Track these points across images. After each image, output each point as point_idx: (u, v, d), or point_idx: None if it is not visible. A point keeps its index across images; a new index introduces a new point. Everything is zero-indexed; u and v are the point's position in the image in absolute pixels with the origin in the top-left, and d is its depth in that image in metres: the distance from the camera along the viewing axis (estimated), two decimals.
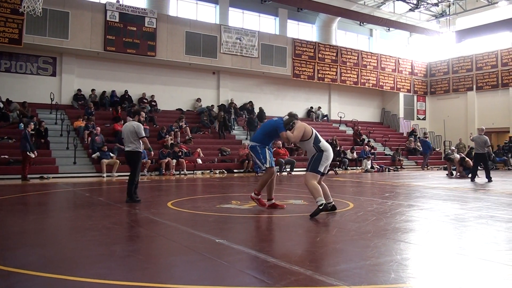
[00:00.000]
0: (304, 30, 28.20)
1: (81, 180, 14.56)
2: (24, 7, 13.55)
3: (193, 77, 23.29)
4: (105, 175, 15.83)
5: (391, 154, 24.84)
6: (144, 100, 21.61)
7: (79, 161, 16.58)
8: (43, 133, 16.66)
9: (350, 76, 27.47)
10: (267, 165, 7.22)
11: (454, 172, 17.41)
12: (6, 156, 15.15)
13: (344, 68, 27.19)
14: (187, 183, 14.10)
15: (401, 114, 30.34)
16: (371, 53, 29.01)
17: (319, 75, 26.19)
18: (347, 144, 24.46)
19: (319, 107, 27.81)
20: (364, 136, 26.34)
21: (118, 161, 16.49)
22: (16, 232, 5.44)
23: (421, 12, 29.93)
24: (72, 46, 19.21)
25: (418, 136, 28.74)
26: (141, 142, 8.37)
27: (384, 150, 26.25)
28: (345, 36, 30.03)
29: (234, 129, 22.86)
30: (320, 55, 26.23)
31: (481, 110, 28.22)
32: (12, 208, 7.75)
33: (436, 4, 29.02)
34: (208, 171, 18.45)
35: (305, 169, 7.58)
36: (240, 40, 23.35)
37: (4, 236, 5.25)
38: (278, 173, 18.49)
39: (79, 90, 20.18)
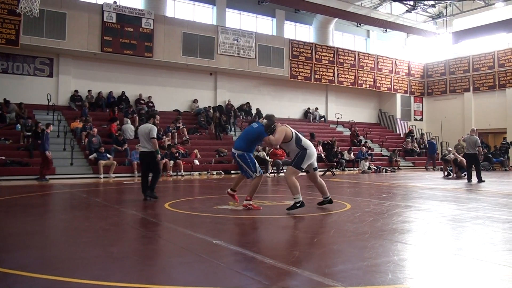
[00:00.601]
0: (301, 31, 28.22)
1: (78, 181, 14.52)
2: (21, 8, 13.51)
3: (190, 78, 23.28)
4: (102, 176, 15.80)
5: (388, 155, 24.88)
6: (141, 101, 21.58)
7: (76, 162, 16.53)
8: (40, 134, 16.60)
9: (347, 77, 27.50)
10: (257, 174, 7.46)
11: (451, 173, 17.46)
12: (3, 157, 15.10)
13: (341, 69, 27.22)
14: (184, 184, 14.09)
15: (398, 115, 30.40)
16: (368, 54, 29.06)
17: (316, 76, 26.22)
18: (344, 145, 24.48)
19: (316, 108, 27.83)
20: (361, 137, 26.37)
21: (115, 162, 16.48)
22: (13, 234, 5.42)
23: (418, 13, 30.01)
24: (69, 47, 19.17)
25: (415, 137, 28.84)
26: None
27: (381, 151, 26.28)
28: (342, 37, 30.07)
29: (231, 130, 22.83)
30: (317, 56, 26.25)
31: (478, 111, 28.29)
32: (9, 209, 7.73)
33: (433, 5, 29.11)
34: (205, 172, 18.43)
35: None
36: (237, 41, 23.35)
37: (1, 237, 5.23)
38: (275, 174, 18.53)
39: (76, 91, 20.13)
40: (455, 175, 17.04)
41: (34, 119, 17.68)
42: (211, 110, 22.73)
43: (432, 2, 28.28)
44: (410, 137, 28.13)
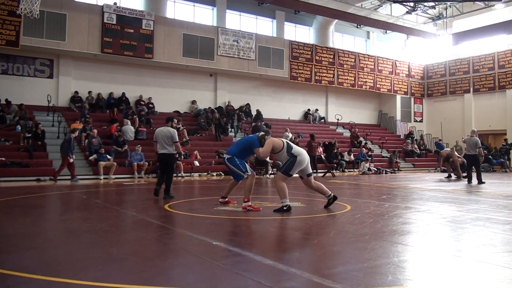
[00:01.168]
0: (301, 33, 28.25)
1: (78, 182, 14.52)
2: (21, 9, 13.52)
3: (190, 79, 23.29)
4: (102, 177, 15.80)
5: (388, 156, 24.88)
6: (141, 102, 21.60)
7: (76, 163, 16.43)
8: (40, 135, 16.62)
9: (347, 79, 27.52)
10: (249, 173, 7.56)
11: (452, 175, 17.42)
12: (3, 158, 15.11)
13: (341, 70, 27.23)
14: (184, 186, 14.08)
15: (398, 116, 30.41)
16: (368, 55, 29.07)
17: (316, 78, 26.23)
18: (344, 147, 24.48)
19: (316, 110, 27.84)
20: (361, 138, 26.38)
21: (115, 163, 16.49)
22: (13, 235, 5.42)
23: (418, 14, 30.03)
24: (69, 48, 19.19)
25: (415, 138, 28.84)
26: (175, 146, 9.35)
27: (381, 152, 26.29)
28: (342, 38, 30.10)
29: (231, 131, 22.83)
30: (317, 58, 26.26)
31: (478, 112, 28.30)
32: (9, 210, 7.72)
33: (433, 7, 29.13)
34: (205, 173, 18.43)
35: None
36: (237, 42, 23.37)
37: (1, 238, 5.22)
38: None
39: (76, 92, 20.15)
40: (440, 168, 17.19)
41: (34, 120, 17.69)
42: (211, 112, 22.73)
43: (432, 4, 28.29)
44: (410, 138, 28.14)
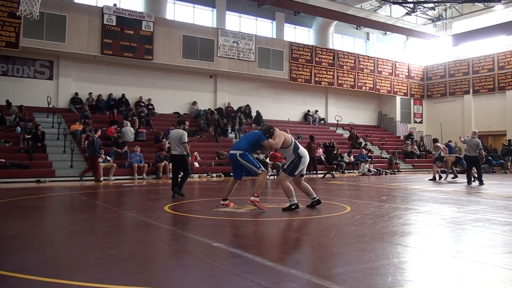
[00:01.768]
0: (301, 34, 28.27)
1: (78, 183, 14.52)
2: (21, 10, 13.54)
3: (190, 80, 23.30)
4: (102, 178, 15.78)
5: (388, 157, 24.88)
6: (141, 104, 21.60)
7: (76, 164, 16.53)
8: (40, 137, 16.62)
9: (347, 80, 27.53)
10: (262, 169, 7.65)
11: (442, 175, 17.36)
12: (3, 160, 15.10)
13: (341, 71, 27.25)
14: (184, 187, 14.04)
15: (398, 118, 30.42)
16: (368, 56, 29.10)
17: (316, 79, 26.24)
18: (344, 148, 24.48)
19: (316, 111, 27.85)
20: (361, 139, 26.38)
21: (115, 164, 16.48)
22: (12, 236, 5.42)
23: (418, 16, 30.07)
24: (69, 50, 19.20)
25: (415, 139, 28.85)
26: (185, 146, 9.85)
27: (381, 153, 26.30)
28: (342, 39, 30.13)
29: (231, 132, 22.84)
30: (317, 59, 26.28)
31: (478, 113, 28.31)
32: (9, 212, 7.72)
33: (433, 8, 29.16)
34: (205, 174, 18.42)
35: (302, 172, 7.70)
36: (237, 43, 23.38)
37: (0, 240, 5.22)
38: (275, 177, 18.51)
39: (76, 93, 20.16)
40: (442, 176, 17.11)
41: (34, 121, 17.68)
42: (210, 113, 22.72)
43: (432, 5, 28.32)
44: (410, 139, 28.15)
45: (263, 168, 7.64)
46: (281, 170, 7.69)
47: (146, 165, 17.07)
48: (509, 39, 27.03)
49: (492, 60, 27.63)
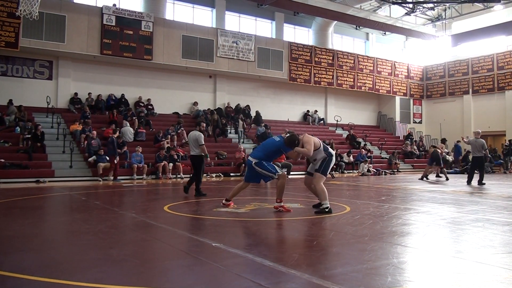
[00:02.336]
0: (300, 34, 28.27)
1: (78, 183, 14.52)
2: (20, 10, 13.54)
3: (189, 80, 23.30)
4: (101, 179, 15.78)
5: (388, 158, 24.89)
6: (141, 104, 21.59)
7: (75, 164, 16.53)
8: (40, 137, 16.61)
9: (346, 80, 27.53)
10: (279, 173, 7.49)
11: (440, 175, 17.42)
12: (3, 160, 15.09)
13: (341, 71, 27.25)
14: (182, 187, 14.04)
15: (397, 118, 30.42)
16: (368, 56, 29.11)
17: (316, 79, 26.24)
18: (343, 148, 24.48)
19: (316, 111, 27.86)
20: (360, 140, 26.39)
21: None
22: (12, 236, 5.41)
23: (417, 16, 30.08)
24: (68, 50, 19.20)
25: (414, 139, 28.85)
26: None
27: (380, 153, 26.31)
28: (341, 40, 30.13)
29: (230, 132, 22.85)
30: (316, 59, 26.28)
31: (477, 113, 28.33)
32: (8, 212, 7.71)
33: (432, 8, 29.18)
34: (205, 174, 18.40)
35: (302, 172, 7.71)
36: (236, 43, 23.38)
37: (0, 240, 5.22)
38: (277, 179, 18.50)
39: (75, 93, 20.16)
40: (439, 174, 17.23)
41: (33, 121, 17.67)
42: (210, 113, 22.71)
43: (431, 5, 28.33)
44: (409, 139, 28.16)
45: (279, 172, 7.49)
46: (314, 172, 7.42)
47: (146, 165, 17.05)
48: (508, 39, 27.04)
49: (491, 60, 27.64)
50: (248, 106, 24.72)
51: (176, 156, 17.92)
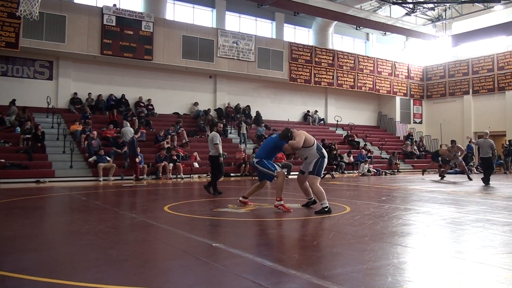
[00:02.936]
0: (300, 34, 28.27)
1: (78, 184, 14.52)
2: (20, 10, 13.53)
3: (190, 81, 23.29)
4: (101, 179, 15.79)
5: (388, 158, 24.88)
6: (141, 104, 21.59)
7: (75, 165, 16.53)
8: (40, 137, 16.61)
9: (346, 80, 27.52)
10: (278, 170, 7.70)
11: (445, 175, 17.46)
12: (3, 160, 15.10)
13: (341, 72, 27.25)
14: (184, 187, 14.09)
15: (398, 118, 30.41)
16: (368, 57, 29.10)
17: (316, 79, 26.24)
18: (343, 148, 24.48)
19: (316, 111, 27.85)
20: (360, 140, 26.38)
21: (114, 165, 16.47)
22: (12, 236, 5.41)
23: (417, 16, 30.06)
24: (68, 50, 19.19)
25: (415, 140, 28.84)
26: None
27: (380, 153, 26.30)
28: (341, 40, 30.12)
29: (230, 133, 22.85)
30: (316, 59, 26.28)
31: (478, 114, 28.32)
32: (8, 212, 7.72)
33: (432, 9, 29.16)
34: (205, 174, 18.40)
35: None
36: (236, 44, 23.38)
37: (0, 240, 5.23)
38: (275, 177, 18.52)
39: (75, 93, 20.15)
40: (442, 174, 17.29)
41: (33, 121, 17.67)
42: (204, 113, 22.69)
43: (432, 5, 28.32)
44: (409, 139, 28.14)
45: (278, 170, 7.67)
46: (308, 173, 7.48)
47: (146, 165, 17.05)
48: (508, 39, 27.03)
49: (491, 61, 27.62)
50: (248, 106, 24.71)
51: (176, 156, 17.90)
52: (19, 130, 17.23)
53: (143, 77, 22.05)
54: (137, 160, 16.30)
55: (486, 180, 14.11)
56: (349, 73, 27.63)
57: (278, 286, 3.41)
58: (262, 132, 22.75)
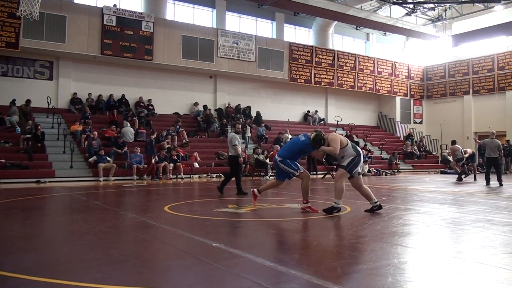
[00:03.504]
0: (300, 34, 28.27)
1: (78, 184, 14.52)
2: (21, 11, 13.55)
3: (190, 81, 23.29)
4: (102, 179, 15.79)
5: (388, 158, 24.88)
6: (141, 104, 21.59)
7: (75, 165, 16.53)
8: (40, 137, 16.61)
9: (347, 80, 27.52)
10: (301, 171, 7.57)
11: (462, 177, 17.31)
12: (3, 160, 15.10)
13: (341, 72, 27.24)
14: (184, 187, 14.08)
15: (398, 118, 30.41)
16: (368, 57, 29.09)
17: (316, 79, 26.24)
18: None
19: (316, 111, 27.84)
20: (360, 140, 26.37)
21: (114, 165, 16.48)
22: (12, 237, 5.41)
23: (418, 16, 30.05)
24: (69, 50, 19.20)
25: (415, 140, 28.82)
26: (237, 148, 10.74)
27: (381, 153, 26.30)
28: (341, 40, 30.12)
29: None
30: (317, 59, 26.28)
31: (478, 114, 28.31)
32: (8, 212, 7.72)
33: (433, 9, 29.15)
34: (205, 175, 18.42)
35: (321, 172, 7.65)
36: (237, 44, 23.38)
37: (0, 240, 5.21)
38: (275, 177, 18.50)
39: (75, 94, 20.16)
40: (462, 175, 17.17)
41: (34, 122, 17.67)
42: (203, 109, 22.74)
43: (432, 5, 28.31)
44: (409, 140, 28.13)
45: (301, 170, 7.57)
46: (340, 169, 7.33)
47: (146, 165, 17.05)
48: (508, 39, 27.02)
49: (492, 61, 27.62)
50: (248, 106, 24.71)
51: (177, 156, 17.90)
52: (19, 130, 17.23)
53: (143, 77, 22.06)
54: (153, 161, 16.75)
55: (499, 180, 14.13)
56: (349, 73, 27.63)
57: (278, 286, 3.41)
58: (262, 132, 22.76)
